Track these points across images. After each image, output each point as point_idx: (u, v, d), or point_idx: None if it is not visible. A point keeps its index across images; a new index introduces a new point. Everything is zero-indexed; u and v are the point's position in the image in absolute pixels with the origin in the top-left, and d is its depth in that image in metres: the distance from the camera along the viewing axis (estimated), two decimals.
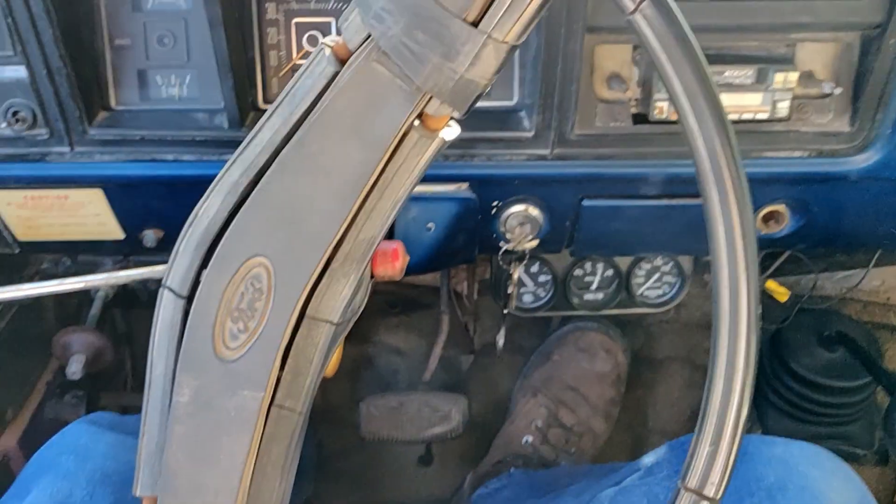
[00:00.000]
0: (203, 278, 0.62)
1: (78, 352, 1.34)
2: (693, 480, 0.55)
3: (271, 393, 0.62)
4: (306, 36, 1.06)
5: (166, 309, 0.64)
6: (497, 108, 1.08)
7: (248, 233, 0.60)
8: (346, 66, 0.56)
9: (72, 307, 1.59)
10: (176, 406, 0.62)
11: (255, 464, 0.62)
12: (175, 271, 0.63)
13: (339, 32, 0.58)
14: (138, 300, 1.60)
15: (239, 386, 0.61)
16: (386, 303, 1.89)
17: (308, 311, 0.62)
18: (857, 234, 1.27)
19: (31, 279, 1.49)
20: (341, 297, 0.62)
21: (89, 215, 1.14)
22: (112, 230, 1.17)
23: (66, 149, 1.06)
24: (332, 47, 0.57)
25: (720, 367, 0.55)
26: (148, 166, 1.08)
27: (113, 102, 1.08)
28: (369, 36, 0.55)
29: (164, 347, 0.64)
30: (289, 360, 0.62)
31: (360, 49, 0.55)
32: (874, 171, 1.09)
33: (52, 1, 0.96)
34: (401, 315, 1.90)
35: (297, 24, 1.06)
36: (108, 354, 1.36)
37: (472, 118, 1.06)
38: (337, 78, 0.56)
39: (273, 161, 0.59)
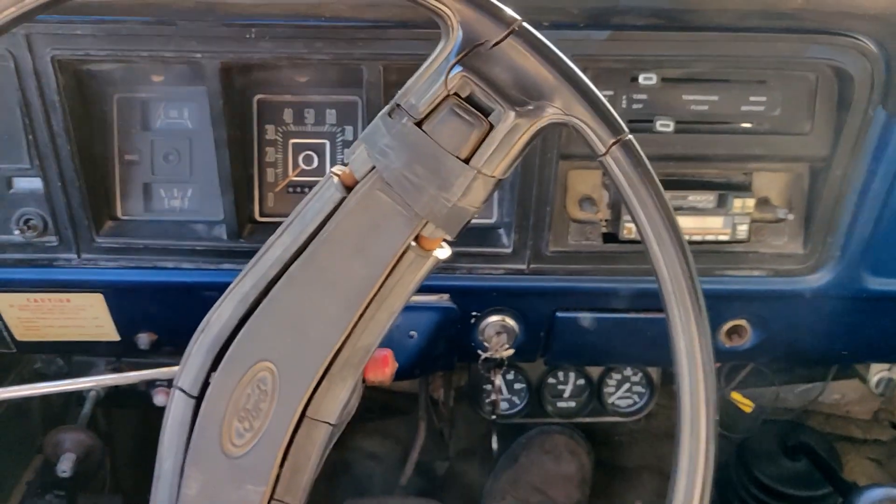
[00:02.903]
0: (213, 380, 0.68)
1: (69, 450, 1.36)
2: None
3: (272, 487, 0.67)
4: (302, 155, 1.14)
5: (177, 407, 0.69)
6: (478, 226, 1.16)
7: (257, 339, 0.67)
8: (352, 192, 0.64)
9: (57, 407, 1.62)
10: (184, 498, 0.67)
11: None
12: (187, 372, 0.69)
13: (344, 163, 0.66)
14: (125, 402, 1.63)
15: (243, 480, 0.67)
16: (362, 408, 1.92)
17: (308, 413, 0.68)
18: (814, 349, 1.35)
19: (23, 378, 1.52)
20: (339, 400, 0.69)
21: (88, 318, 1.20)
22: (108, 332, 1.23)
23: (73, 255, 1.12)
24: (339, 176, 0.65)
25: (682, 471, 0.61)
26: (148, 273, 1.14)
27: (119, 213, 1.15)
28: (374, 167, 0.63)
29: (173, 443, 0.69)
30: (289, 458, 0.68)
31: (365, 178, 0.63)
32: (826, 290, 1.18)
33: (72, 120, 1.04)
34: (377, 421, 1.94)
35: (293, 144, 1.14)
36: (97, 454, 1.39)
37: None
38: (344, 203, 0.64)
39: (282, 274, 0.66)
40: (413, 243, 0.65)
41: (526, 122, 0.60)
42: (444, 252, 0.68)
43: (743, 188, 1.15)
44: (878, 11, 0.99)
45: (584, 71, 0.60)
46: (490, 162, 0.61)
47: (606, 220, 1.16)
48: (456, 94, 0.61)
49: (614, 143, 0.59)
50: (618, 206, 1.12)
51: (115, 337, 1.24)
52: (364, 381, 0.82)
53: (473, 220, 1.15)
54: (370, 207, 0.63)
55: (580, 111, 0.59)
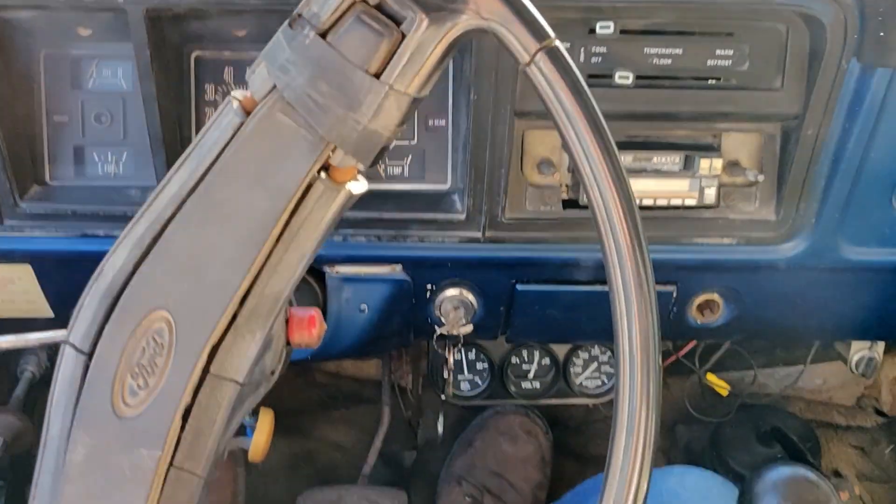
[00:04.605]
0: (104, 333, 0.60)
1: None
2: None
3: (171, 453, 0.60)
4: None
5: (67, 365, 0.62)
6: (430, 191, 1.10)
7: (150, 285, 0.59)
8: (251, 115, 0.57)
9: (1, 392, 1.54)
10: (69, 465, 0.60)
11: None
12: (78, 326, 0.62)
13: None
14: None
15: (136, 444, 0.59)
16: (326, 396, 1.86)
17: (212, 369, 0.60)
18: (791, 324, 1.29)
19: None
20: (247, 355, 0.61)
21: (17, 292, 1.13)
22: (41, 308, 1.15)
23: None
24: (239, 100, 0.58)
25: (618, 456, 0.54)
26: (79, 242, 1.07)
27: (47, 177, 1.08)
28: (275, 87, 0.56)
29: (62, 405, 0.61)
30: (190, 420, 0.60)
31: (265, 99, 0.56)
32: (801, 259, 1.11)
33: None
34: (341, 409, 1.87)
35: None
36: (28, 437, 1.31)
37: (406, 200, 1.09)
38: (242, 127, 0.57)
39: (178, 213, 0.59)
40: (322, 174, 0.58)
41: (440, 30, 0.54)
42: (358, 185, 0.61)
43: (711, 149, 1.08)
44: None
45: None
46: (402, 76, 0.54)
47: (566, 185, 1.09)
48: (363, 0, 0.54)
49: (539, 50, 0.52)
50: None
51: (49, 314, 1.17)
52: (289, 342, 0.75)
53: (426, 186, 1.11)
54: (270, 131, 0.56)
55: (500, 14, 0.52)
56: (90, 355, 0.61)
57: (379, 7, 0.54)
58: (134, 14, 0.94)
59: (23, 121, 1.05)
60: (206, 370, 0.60)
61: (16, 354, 1.39)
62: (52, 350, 1.37)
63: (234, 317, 0.60)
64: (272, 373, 0.73)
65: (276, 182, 0.57)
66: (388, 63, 0.54)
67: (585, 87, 0.52)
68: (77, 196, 1.07)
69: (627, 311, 0.53)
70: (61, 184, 1.08)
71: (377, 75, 0.54)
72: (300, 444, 1.81)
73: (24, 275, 1.11)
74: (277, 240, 0.58)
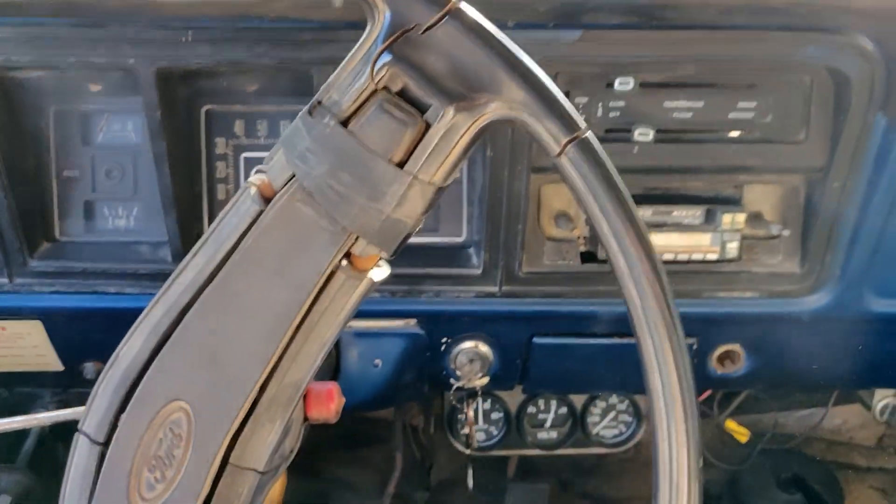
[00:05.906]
0: (120, 423, 0.59)
1: (3, 492, 1.27)
2: None
3: None
4: (255, 170, 1.05)
5: (81, 455, 0.60)
6: (445, 245, 1.08)
7: (168, 375, 0.58)
8: (269, 205, 0.55)
9: (7, 443, 1.52)
10: None
11: None
12: (92, 415, 0.60)
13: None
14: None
15: None
16: (337, 435, 1.83)
17: (231, 459, 0.59)
18: (814, 374, 1.26)
19: None
20: (267, 444, 0.59)
21: (27, 347, 1.11)
22: (51, 362, 1.14)
23: (4, 280, 1.04)
24: (257, 186, 0.56)
25: None
26: (89, 298, 1.06)
27: (57, 233, 1.06)
28: (294, 176, 0.54)
29: (75, 498, 0.60)
30: None
31: (284, 188, 0.55)
32: (826, 311, 1.09)
33: None
34: (353, 449, 1.84)
35: (245, 158, 1.06)
36: (36, 495, 1.29)
37: (421, 254, 1.07)
38: (261, 217, 0.55)
39: (196, 300, 0.57)
40: (343, 262, 0.56)
41: (467, 120, 0.52)
42: (380, 272, 0.59)
43: (732, 202, 1.06)
44: (875, 8, 0.91)
45: (555, 76, 0.52)
46: (427, 166, 0.52)
47: (584, 238, 1.07)
48: (386, 88, 0.52)
49: (569, 142, 0.50)
50: None
51: (59, 367, 1.15)
52: (306, 419, 0.73)
53: (441, 239, 1.09)
54: (290, 222, 0.55)
55: (528, 105, 0.51)
56: (105, 445, 0.59)
57: (402, 95, 0.52)
58: (144, 74, 0.93)
59: (32, 177, 1.03)
60: (225, 461, 0.58)
61: (24, 407, 1.37)
62: (62, 403, 1.35)
63: (254, 406, 0.58)
64: (291, 451, 0.72)
65: (297, 273, 0.55)
66: (412, 153, 0.52)
67: (619, 181, 0.50)
68: (87, 253, 1.06)
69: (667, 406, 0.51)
70: (71, 240, 1.07)
71: (401, 164, 0.52)
72: (312, 484, 1.79)
73: (33, 330, 1.09)
74: (297, 329, 0.57)
